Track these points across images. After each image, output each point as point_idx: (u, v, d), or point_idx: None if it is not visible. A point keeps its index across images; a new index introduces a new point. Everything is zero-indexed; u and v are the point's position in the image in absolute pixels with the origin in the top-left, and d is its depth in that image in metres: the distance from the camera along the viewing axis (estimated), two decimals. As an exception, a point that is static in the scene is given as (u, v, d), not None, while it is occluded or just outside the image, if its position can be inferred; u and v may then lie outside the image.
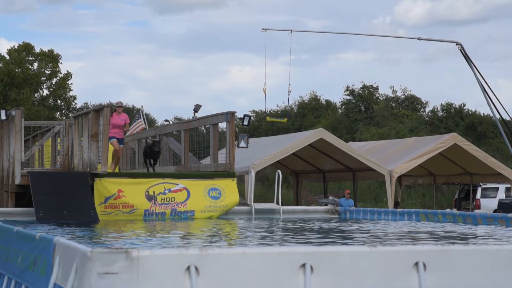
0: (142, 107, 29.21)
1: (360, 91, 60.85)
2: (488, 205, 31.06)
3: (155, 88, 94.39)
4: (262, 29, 23.32)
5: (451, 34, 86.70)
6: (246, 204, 17.94)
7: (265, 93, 24.35)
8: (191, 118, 22.84)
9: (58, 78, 53.33)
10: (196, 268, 4.81)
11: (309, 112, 61.79)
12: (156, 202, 16.22)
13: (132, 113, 41.26)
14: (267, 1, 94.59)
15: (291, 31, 23.37)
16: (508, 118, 25.63)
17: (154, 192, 16.26)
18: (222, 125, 18.94)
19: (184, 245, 10.08)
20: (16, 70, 50.62)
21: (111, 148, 18.85)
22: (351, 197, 29.86)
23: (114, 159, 19.53)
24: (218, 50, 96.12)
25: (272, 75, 74.07)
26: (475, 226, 13.43)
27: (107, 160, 16.56)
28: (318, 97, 64.25)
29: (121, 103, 19.79)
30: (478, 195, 32.00)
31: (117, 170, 19.81)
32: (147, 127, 27.41)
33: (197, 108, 22.56)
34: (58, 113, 53.40)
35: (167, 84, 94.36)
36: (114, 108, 19.94)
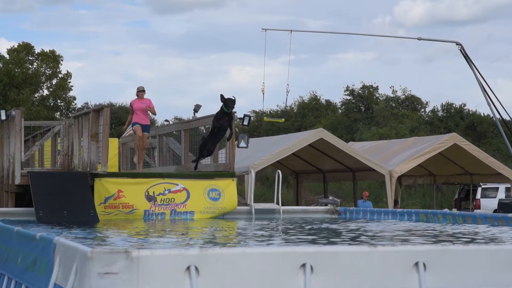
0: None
1: (360, 91, 60.87)
2: (488, 205, 31.08)
3: (155, 88, 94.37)
4: (262, 29, 23.30)
5: (451, 34, 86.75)
6: (246, 204, 17.94)
7: (263, 93, 24.28)
8: (191, 118, 22.84)
9: (58, 78, 53.34)
10: (196, 268, 4.81)
11: (309, 112, 61.79)
12: (155, 202, 16.20)
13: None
14: (267, 1, 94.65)
15: (291, 31, 23.36)
16: (508, 118, 25.62)
17: (154, 192, 16.25)
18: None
19: (184, 245, 10.08)
20: (16, 70, 50.61)
21: (111, 148, 18.78)
22: (352, 197, 29.85)
23: (137, 149, 18.88)
24: (218, 50, 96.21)
25: (272, 75, 74.12)
26: (474, 226, 13.42)
27: (107, 160, 16.51)
28: (318, 97, 64.28)
29: (143, 87, 18.80)
30: (478, 195, 32.02)
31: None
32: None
33: (197, 108, 22.55)
34: (58, 113, 53.41)
35: (167, 84, 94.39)
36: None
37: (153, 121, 57.00)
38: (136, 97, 18.91)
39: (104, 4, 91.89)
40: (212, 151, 17.34)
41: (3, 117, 18.21)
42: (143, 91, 18.73)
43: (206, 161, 19.11)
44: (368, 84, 60.91)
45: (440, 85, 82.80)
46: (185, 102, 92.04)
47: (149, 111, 18.78)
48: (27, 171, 17.42)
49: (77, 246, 5.25)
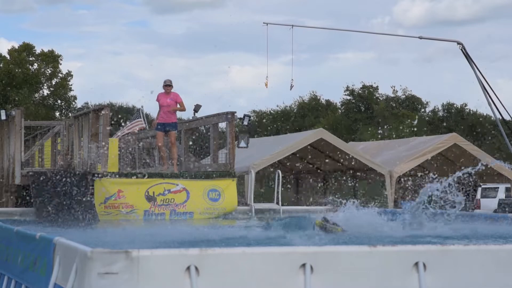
0: (142, 107, 29.18)
1: (360, 91, 60.88)
2: (488, 205, 31.06)
3: (155, 88, 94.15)
4: (263, 23, 23.16)
5: (450, 34, 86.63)
6: (246, 204, 17.93)
7: (266, 86, 23.94)
8: (191, 118, 22.83)
9: (58, 78, 53.34)
10: (196, 268, 4.81)
11: (309, 112, 61.80)
12: (155, 203, 16.20)
13: (132, 113, 41.32)
14: (266, 1, 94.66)
15: (292, 26, 23.25)
16: (508, 118, 25.61)
17: (154, 192, 16.24)
18: (222, 125, 18.92)
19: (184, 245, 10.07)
20: (16, 70, 50.62)
21: (111, 148, 18.71)
22: (352, 197, 29.70)
23: (161, 149, 17.95)
24: (217, 50, 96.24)
25: (272, 75, 74.00)
26: (474, 226, 13.39)
27: (107, 160, 16.50)
28: (318, 97, 64.27)
29: (170, 80, 17.62)
30: (478, 195, 32.00)
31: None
32: (147, 127, 27.41)
33: (197, 108, 22.52)
34: (58, 113, 53.43)
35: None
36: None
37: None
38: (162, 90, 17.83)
39: (103, 4, 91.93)
40: None
41: (3, 117, 18.19)
42: (170, 85, 17.71)
43: (206, 161, 19.11)
44: (368, 84, 60.93)
45: (440, 85, 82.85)
46: (185, 102, 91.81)
47: (178, 107, 17.83)
48: (27, 171, 17.41)
49: (77, 246, 5.24)
